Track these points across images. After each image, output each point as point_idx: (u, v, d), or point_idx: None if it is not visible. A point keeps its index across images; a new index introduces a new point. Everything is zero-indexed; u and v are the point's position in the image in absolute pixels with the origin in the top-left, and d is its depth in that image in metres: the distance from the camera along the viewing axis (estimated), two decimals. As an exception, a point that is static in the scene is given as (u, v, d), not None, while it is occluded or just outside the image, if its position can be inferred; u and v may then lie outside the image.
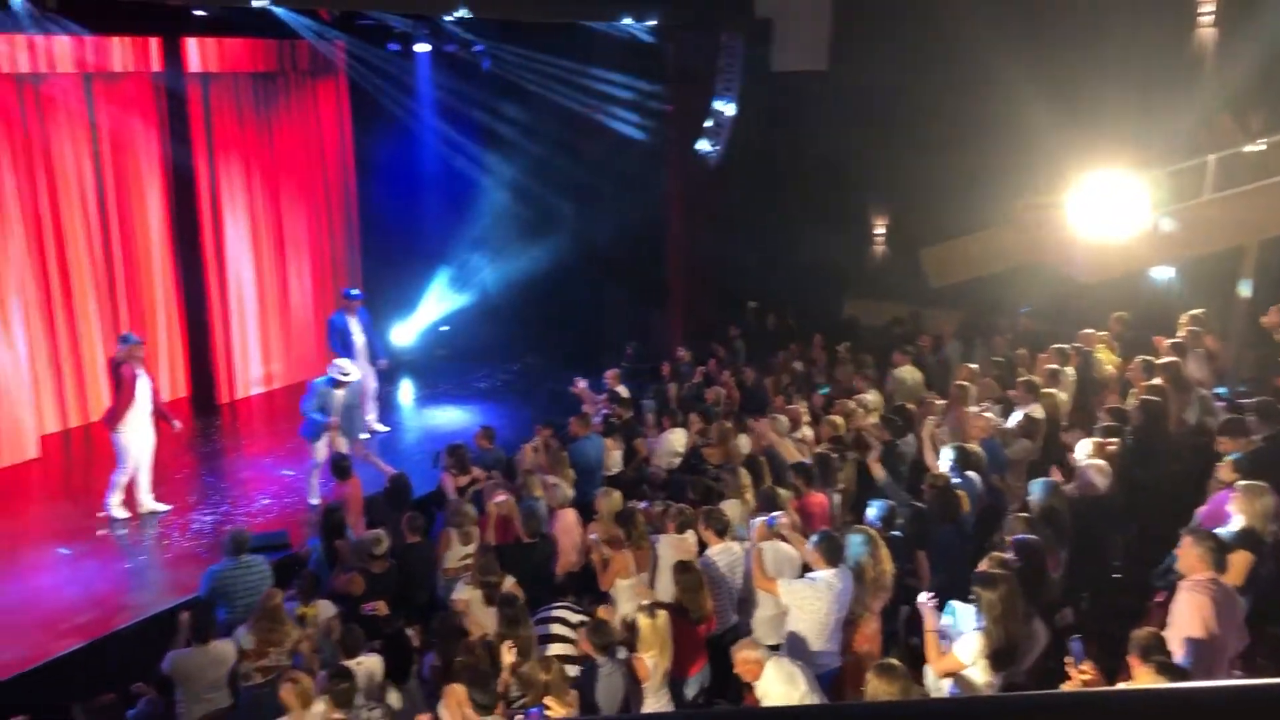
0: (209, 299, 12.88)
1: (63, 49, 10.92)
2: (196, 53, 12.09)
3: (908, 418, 8.87)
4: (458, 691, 5.25)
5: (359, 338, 11.35)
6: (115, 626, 7.93)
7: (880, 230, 14.94)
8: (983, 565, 5.70)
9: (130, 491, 9.74)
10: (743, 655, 5.52)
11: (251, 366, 13.58)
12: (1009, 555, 5.99)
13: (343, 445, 9.85)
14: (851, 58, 13.20)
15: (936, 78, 12.43)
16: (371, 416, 11.90)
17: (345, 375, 9.97)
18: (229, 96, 12.83)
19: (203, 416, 12.64)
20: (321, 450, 9.92)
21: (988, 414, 8.56)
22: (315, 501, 9.70)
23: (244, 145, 13.09)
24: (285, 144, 13.59)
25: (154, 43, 11.62)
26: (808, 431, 9.15)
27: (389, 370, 12.28)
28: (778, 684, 5.38)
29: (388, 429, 12.17)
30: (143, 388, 9.51)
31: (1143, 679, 4.35)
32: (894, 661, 4.86)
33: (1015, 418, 8.56)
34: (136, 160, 12.28)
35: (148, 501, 9.83)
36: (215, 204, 12.88)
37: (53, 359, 11.68)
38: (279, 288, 13.86)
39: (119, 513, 9.67)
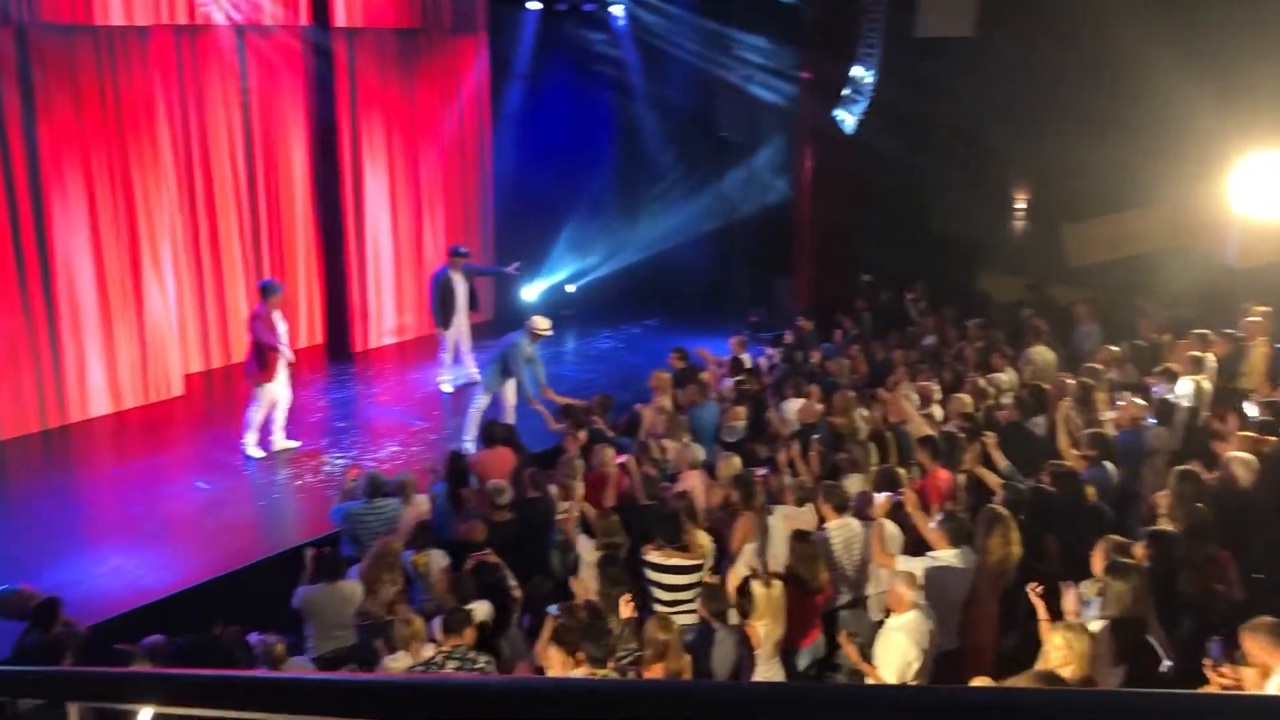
0: (347, 250, 13.28)
1: (217, 1, 11.30)
2: (343, 8, 12.36)
3: (1041, 399, 8.61)
4: (555, 654, 5.33)
5: (461, 294, 11.70)
6: (247, 560, 8.25)
7: (1020, 205, 14.48)
8: (1109, 555, 5.51)
9: (264, 430, 10.16)
10: (900, 588, 5.48)
11: (385, 317, 13.95)
12: (1142, 547, 5.79)
13: (511, 400, 10.20)
14: (1000, 25, 12.74)
15: (1088, 49, 11.92)
16: (472, 370, 12.13)
17: (541, 330, 10.16)
18: (372, 52, 13.11)
19: (337, 364, 13.06)
20: (485, 400, 10.26)
21: (1137, 400, 8.24)
22: (468, 441, 10.02)
23: (385, 101, 13.38)
24: (425, 100, 13.84)
25: (303, -3, 11.96)
26: (937, 410, 8.97)
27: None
28: (905, 635, 5.36)
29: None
30: (283, 333, 9.94)
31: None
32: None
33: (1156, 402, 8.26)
34: (283, 113, 12.68)
35: (280, 440, 10.24)
36: (356, 157, 13.22)
37: (199, 302, 12.23)
38: (414, 242, 14.17)
39: (255, 452, 10.09)
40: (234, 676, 2.29)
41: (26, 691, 2.10)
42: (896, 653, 5.39)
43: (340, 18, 12.39)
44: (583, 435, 8.66)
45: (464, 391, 12.05)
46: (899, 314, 12.68)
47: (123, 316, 11.12)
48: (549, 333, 10.30)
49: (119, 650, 5.21)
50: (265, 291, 10.03)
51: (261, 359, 9.86)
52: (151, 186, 11.21)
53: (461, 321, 11.85)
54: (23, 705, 2.02)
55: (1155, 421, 8.07)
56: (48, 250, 10.44)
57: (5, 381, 10.27)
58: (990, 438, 7.73)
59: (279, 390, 10.04)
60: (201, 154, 12.00)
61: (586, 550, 6.82)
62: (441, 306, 11.67)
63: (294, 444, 10.31)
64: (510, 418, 10.12)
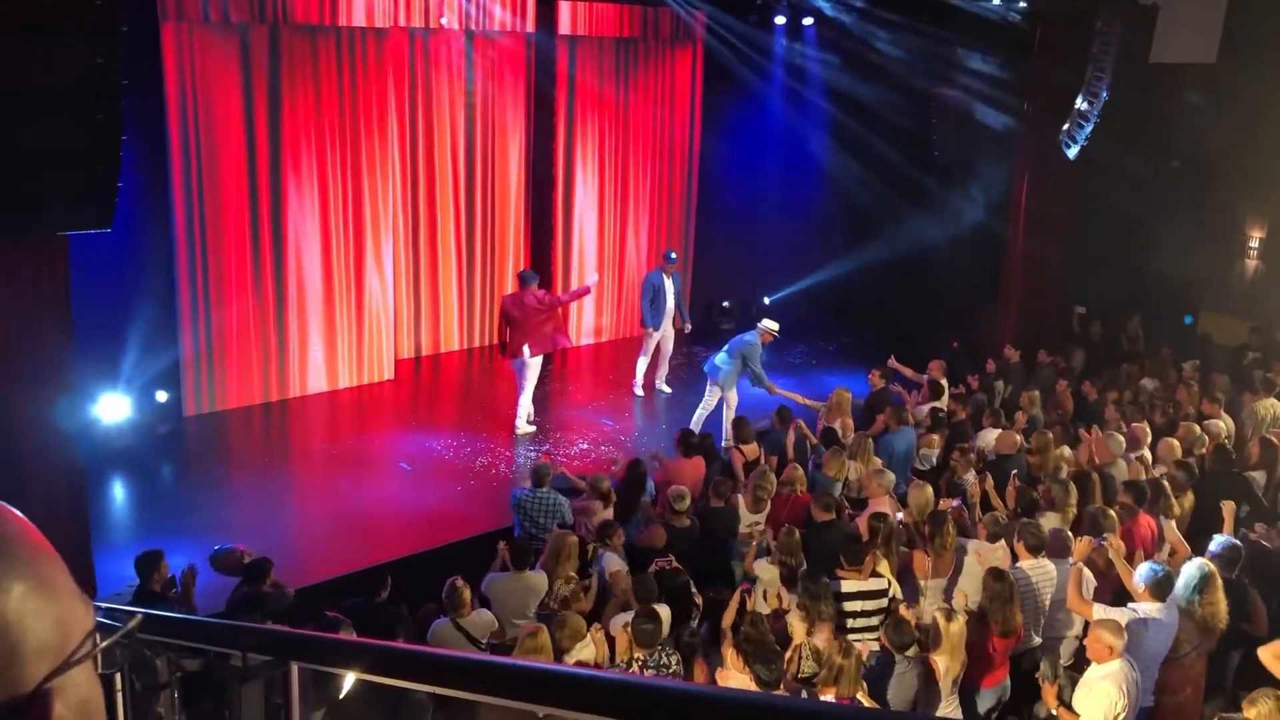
0: (554, 250, 13.70)
1: (451, 7, 11.86)
2: (568, 15, 12.76)
3: (1272, 451, 8.07)
4: (733, 658, 5.33)
5: (670, 298, 11.97)
6: (440, 542, 8.57)
7: (1253, 243, 13.59)
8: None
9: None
10: (1105, 636, 5.26)
11: (585, 318, 14.29)
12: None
13: (734, 401, 10.67)
14: (1244, 52, 11.99)
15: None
16: (662, 377, 12.47)
17: (771, 331, 10.61)
18: (591, 59, 13.44)
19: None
20: (732, 398, 10.69)
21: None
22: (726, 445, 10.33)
23: (600, 107, 13.71)
24: (638, 109, 14.10)
25: (531, 4, 12.38)
26: (1147, 454, 8.52)
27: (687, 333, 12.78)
28: (1112, 684, 5.13)
29: (669, 390, 12.49)
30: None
31: None
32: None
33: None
34: (503, 115, 13.15)
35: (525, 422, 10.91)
36: (569, 162, 13.61)
37: (414, 292, 12.84)
38: (617, 246, 14.47)
39: (526, 428, 10.81)
40: (442, 656, 2.40)
41: (253, 647, 2.26)
42: (1104, 702, 5.14)
43: (565, 26, 12.79)
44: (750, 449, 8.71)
45: (654, 396, 12.24)
46: (1113, 349, 12.10)
47: (344, 302, 11.79)
48: (778, 335, 10.72)
49: (327, 615, 5.51)
50: (526, 279, 10.67)
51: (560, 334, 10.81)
52: (379, 180, 11.84)
53: (667, 326, 12.07)
54: (251, 659, 2.18)
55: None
56: (281, 236, 11.17)
57: (235, 355, 11.05)
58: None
59: (536, 366, 10.69)
60: (426, 151, 12.60)
61: (763, 569, 6.80)
62: (651, 307, 11.94)
63: (533, 428, 10.96)
64: (731, 418, 10.42)
